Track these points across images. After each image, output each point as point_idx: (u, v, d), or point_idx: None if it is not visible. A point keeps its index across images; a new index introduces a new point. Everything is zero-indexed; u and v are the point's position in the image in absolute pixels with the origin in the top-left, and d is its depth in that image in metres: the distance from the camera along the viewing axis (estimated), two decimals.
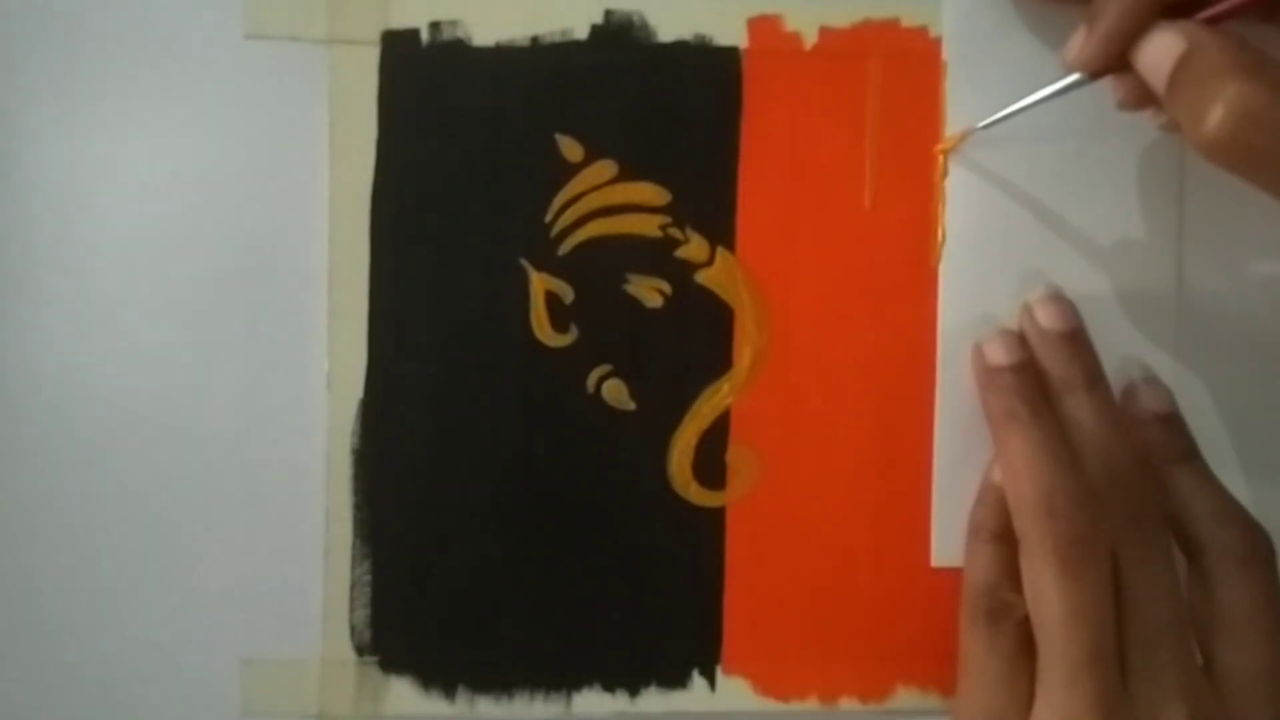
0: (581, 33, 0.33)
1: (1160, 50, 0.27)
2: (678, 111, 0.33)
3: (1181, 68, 0.27)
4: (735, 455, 0.33)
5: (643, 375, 0.33)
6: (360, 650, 0.33)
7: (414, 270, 0.33)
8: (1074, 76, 0.30)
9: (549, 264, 0.33)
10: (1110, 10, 0.28)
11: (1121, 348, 0.33)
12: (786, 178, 0.33)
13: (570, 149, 0.33)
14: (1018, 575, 0.30)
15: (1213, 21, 0.27)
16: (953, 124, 0.33)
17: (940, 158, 0.33)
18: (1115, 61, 0.29)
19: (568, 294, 0.33)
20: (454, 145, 0.33)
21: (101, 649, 0.33)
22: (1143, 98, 0.29)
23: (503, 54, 0.33)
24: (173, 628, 0.33)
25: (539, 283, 0.33)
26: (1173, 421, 0.33)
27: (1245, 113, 0.25)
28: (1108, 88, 0.30)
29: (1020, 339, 0.32)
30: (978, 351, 0.33)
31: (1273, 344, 0.34)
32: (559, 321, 0.33)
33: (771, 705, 0.34)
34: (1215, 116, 0.26)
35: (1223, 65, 0.26)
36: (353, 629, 0.33)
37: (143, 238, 0.33)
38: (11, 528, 0.33)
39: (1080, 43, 0.29)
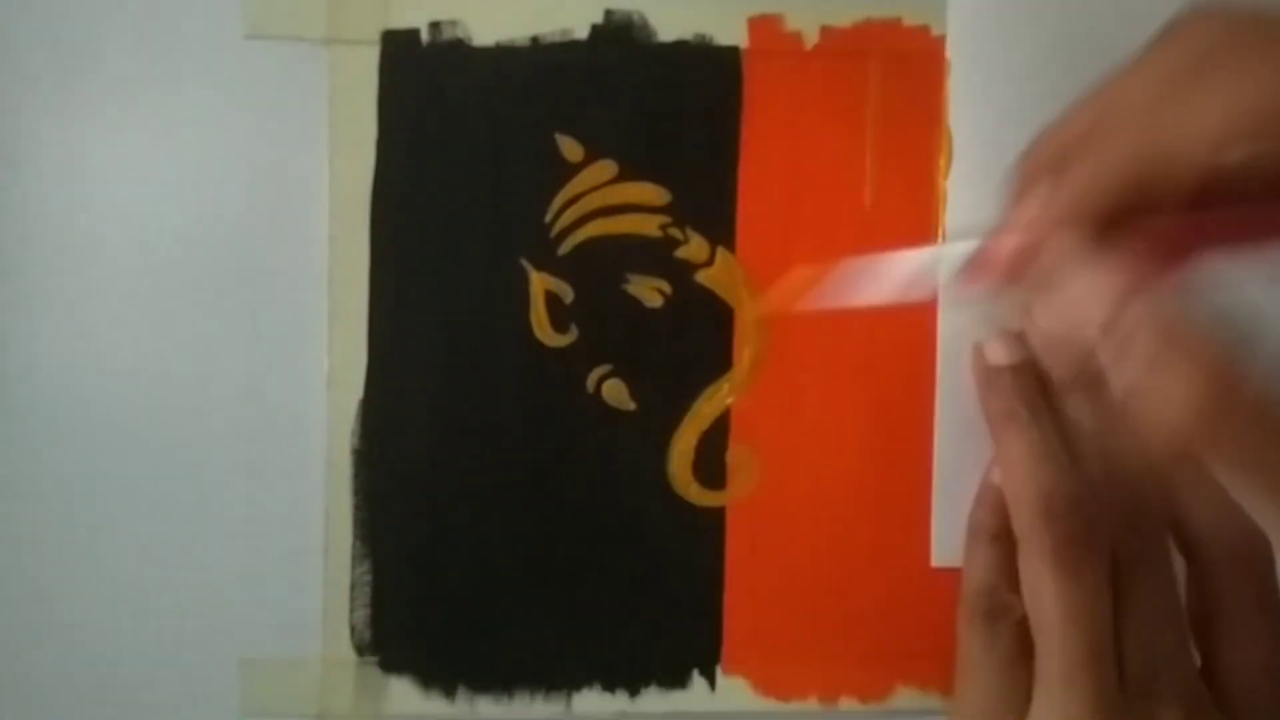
0: (581, 33, 0.33)
1: (1098, 289, 0.22)
2: (678, 111, 0.33)
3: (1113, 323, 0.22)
4: (735, 455, 0.33)
5: (643, 375, 0.33)
6: (360, 650, 0.33)
7: (414, 270, 0.33)
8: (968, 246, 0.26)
9: (549, 264, 0.33)
10: (1084, 175, 0.23)
11: None
12: (786, 178, 0.33)
13: (570, 149, 0.33)
14: (1017, 576, 0.30)
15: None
16: (954, 124, 0.33)
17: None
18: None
19: (568, 294, 0.33)
20: (454, 145, 0.33)
21: (101, 649, 0.33)
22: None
23: (503, 54, 0.33)
24: (173, 628, 0.33)
25: (539, 283, 0.33)
26: None
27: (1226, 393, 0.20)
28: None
29: (1020, 339, 0.32)
30: (978, 351, 0.33)
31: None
32: (559, 321, 0.33)
33: (771, 705, 0.34)
34: (1178, 398, 0.21)
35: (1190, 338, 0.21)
36: (353, 629, 0.33)
37: (142, 238, 0.33)
38: (11, 528, 0.33)
39: (1038, 201, 0.23)
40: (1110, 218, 0.20)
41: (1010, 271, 0.23)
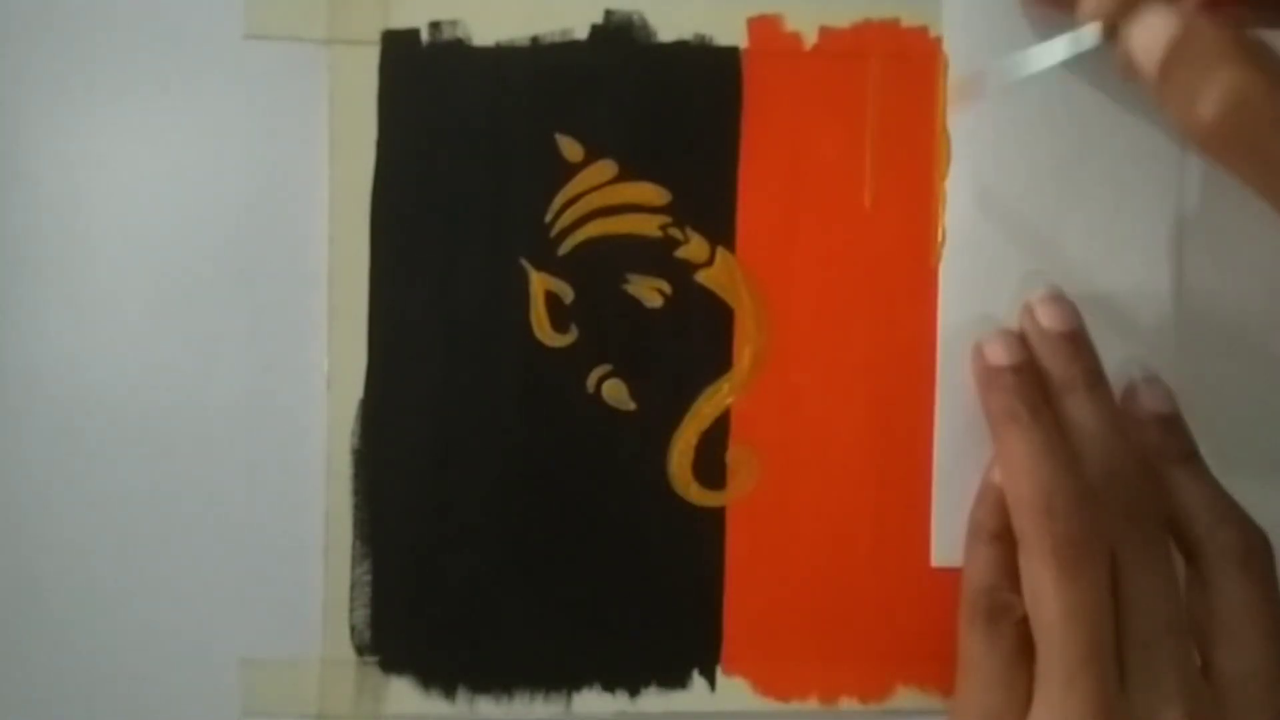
0: (581, 33, 0.33)
1: (1152, 31, 0.26)
2: (678, 111, 0.33)
3: (1175, 50, 0.26)
4: (735, 455, 0.33)
5: (643, 375, 0.33)
6: (360, 650, 0.33)
7: (414, 270, 0.33)
8: (1091, 34, 0.28)
9: (549, 264, 0.33)
10: None
11: (1121, 348, 0.33)
12: (786, 178, 0.33)
13: (570, 149, 0.33)
14: (1017, 575, 0.30)
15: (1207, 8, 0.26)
16: (954, 124, 0.33)
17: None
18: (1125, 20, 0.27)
19: (568, 294, 0.33)
20: (454, 145, 0.33)
21: (101, 649, 0.33)
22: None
23: (503, 54, 0.33)
24: (173, 628, 0.33)
25: (539, 283, 0.33)
26: (1173, 421, 0.33)
27: (1241, 100, 0.24)
28: (1105, 89, 0.30)
29: (1020, 339, 0.32)
30: (978, 351, 0.33)
31: (1273, 344, 0.34)
32: (559, 321, 0.33)
33: (771, 705, 0.34)
34: (1210, 103, 0.25)
35: (1219, 50, 0.25)
36: (353, 629, 0.33)
37: (143, 238, 0.33)
38: (11, 528, 0.33)
39: None
40: None
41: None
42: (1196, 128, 0.25)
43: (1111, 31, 0.27)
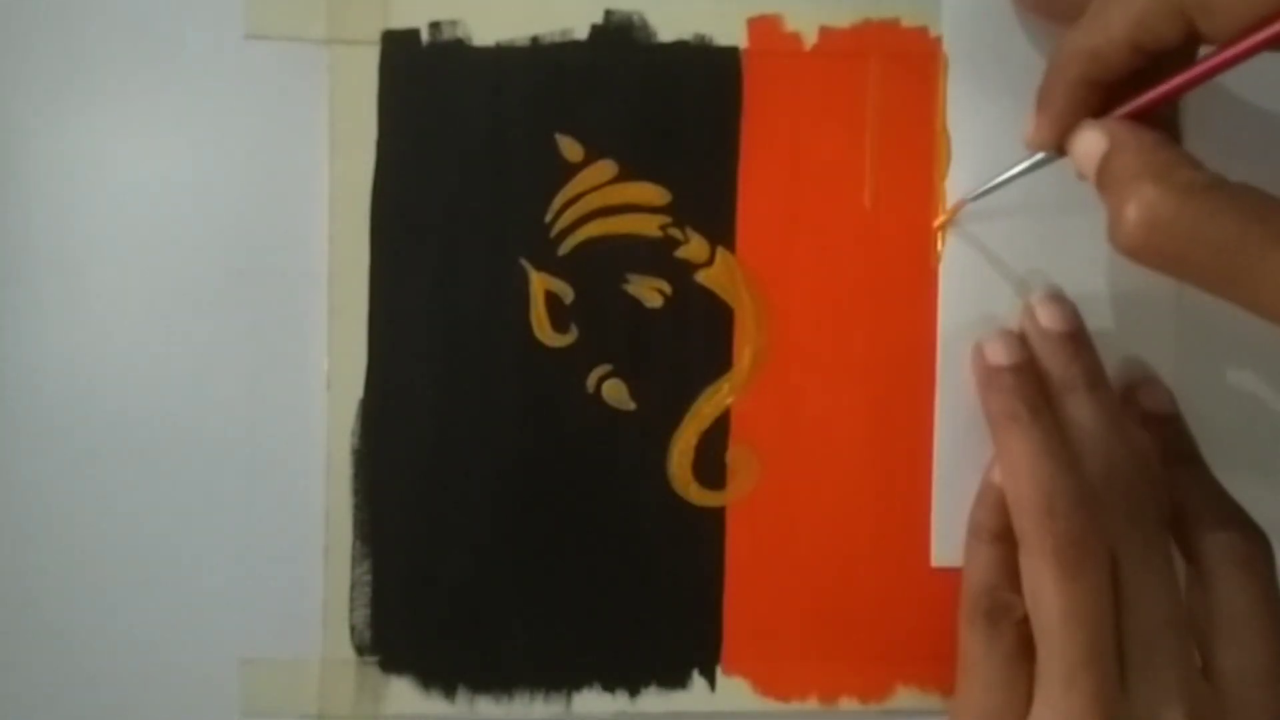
0: (581, 33, 0.33)
1: (1086, 148, 0.28)
2: (678, 111, 0.33)
3: (1104, 167, 0.27)
4: (735, 455, 0.34)
5: (643, 375, 0.33)
6: (360, 650, 0.33)
7: (414, 270, 0.33)
8: (1040, 155, 0.30)
9: (549, 264, 0.33)
10: (1055, 93, 0.29)
11: (1122, 348, 0.33)
12: (786, 178, 0.33)
13: (570, 149, 0.33)
14: (1017, 575, 0.30)
15: (1145, 111, 0.28)
16: (953, 124, 0.33)
17: (937, 233, 0.33)
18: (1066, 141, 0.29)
19: (568, 294, 0.33)
20: (454, 145, 0.33)
21: (101, 649, 0.33)
22: None
23: (503, 54, 0.33)
24: (173, 628, 0.33)
25: (539, 283, 0.33)
26: (1173, 422, 0.33)
27: (1153, 219, 0.26)
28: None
29: (1020, 339, 0.32)
30: (978, 351, 0.33)
31: (1273, 344, 0.34)
32: (559, 321, 0.33)
33: (771, 705, 0.34)
34: (1129, 219, 0.26)
35: (1135, 169, 0.26)
36: (353, 629, 0.33)
37: (143, 238, 0.33)
38: (11, 528, 0.33)
39: (1034, 126, 0.29)
40: (1087, 106, 0.28)
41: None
42: (1118, 241, 0.26)
43: (1060, 149, 0.29)
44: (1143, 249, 0.26)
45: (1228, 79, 0.32)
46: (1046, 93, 0.29)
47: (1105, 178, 0.27)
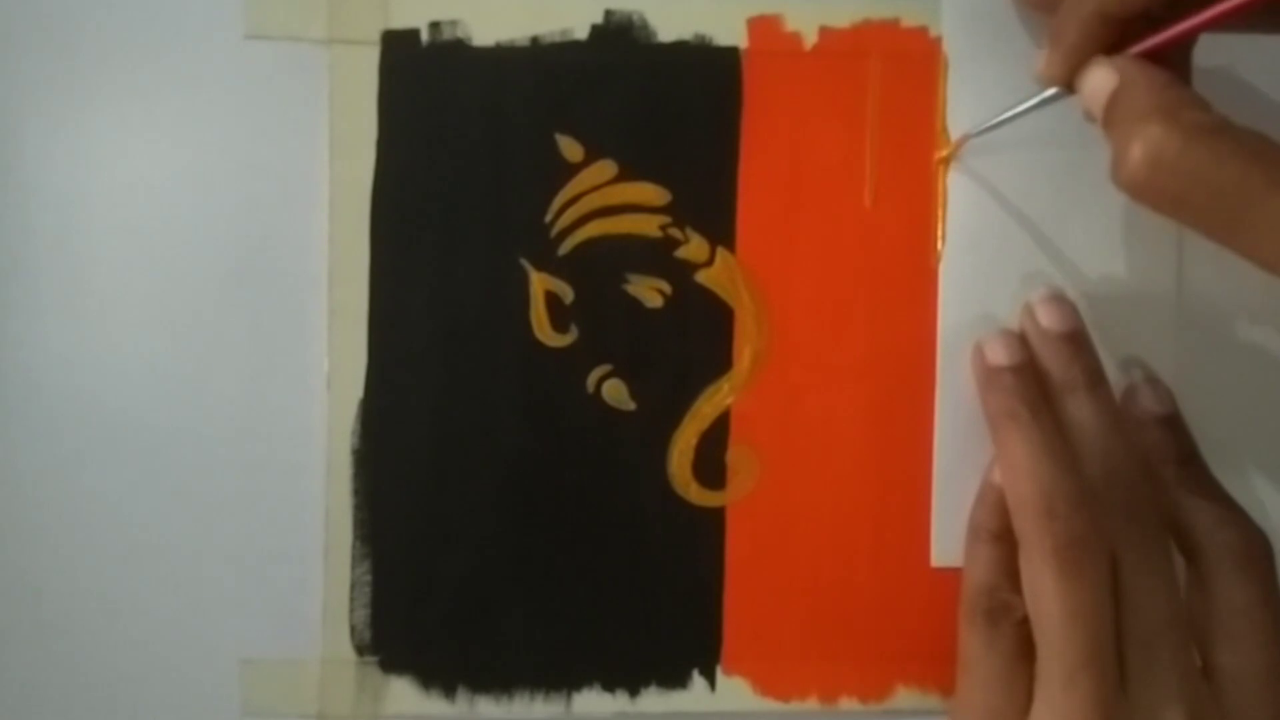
0: (581, 33, 0.33)
1: (1095, 85, 0.28)
2: (678, 111, 0.33)
3: (1112, 104, 0.27)
4: (735, 455, 0.33)
5: (643, 375, 0.33)
6: (360, 650, 0.33)
7: (414, 270, 0.33)
8: (1050, 90, 0.30)
9: (549, 264, 0.33)
10: (1069, 28, 0.28)
11: (1122, 348, 0.33)
12: (786, 178, 0.33)
13: (570, 149, 0.33)
14: (1017, 575, 0.30)
15: (1158, 51, 0.28)
16: (953, 124, 0.33)
17: (939, 166, 0.33)
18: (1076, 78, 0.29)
19: (568, 294, 0.33)
20: (454, 145, 0.33)
21: (101, 649, 0.33)
22: None
23: (503, 54, 0.33)
24: (173, 628, 0.33)
25: (539, 283, 0.33)
26: (1173, 422, 0.33)
27: (1158, 157, 0.26)
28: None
29: (1020, 339, 0.32)
30: (978, 351, 0.33)
31: (1273, 344, 0.34)
32: (559, 321, 0.33)
33: (771, 705, 0.34)
34: (1133, 157, 0.26)
35: (1144, 107, 0.26)
36: (353, 629, 0.33)
37: (143, 238, 0.33)
38: (11, 528, 0.33)
39: (1045, 60, 0.29)
40: (1100, 43, 0.28)
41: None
42: (1121, 178, 0.26)
43: (1069, 86, 0.29)
44: (1144, 188, 0.26)
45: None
46: (1060, 26, 0.29)
47: (1113, 115, 0.27)
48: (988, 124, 0.32)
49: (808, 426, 0.34)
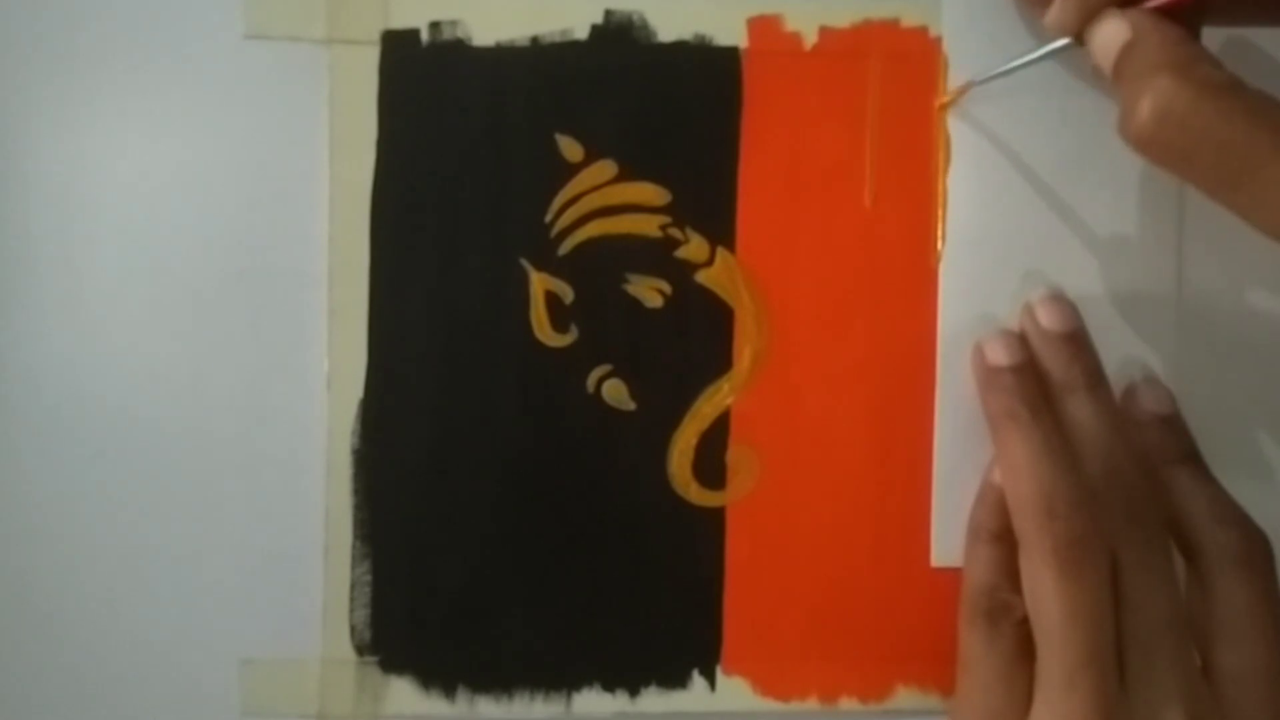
0: (581, 33, 0.33)
1: (1107, 36, 0.27)
2: (678, 111, 0.33)
3: (1123, 56, 0.27)
4: (735, 455, 0.33)
5: (643, 375, 0.33)
6: (360, 650, 0.33)
7: (414, 270, 0.33)
8: (1063, 40, 0.29)
9: (549, 264, 0.33)
10: None
11: (1122, 348, 0.33)
12: (786, 178, 0.33)
13: (570, 149, 0.33)
14: (1017, 576, 0.30)
15: (1171, 8, 0.27)
16: (953, 123, 0.33)
17: (940, 114, 0.33)
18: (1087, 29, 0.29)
19: (568, 294, 0.33)
20: (454, 145, 0.33)
21: (101, 649, 0.33)
22: None
23: (503, 54, 0.33)
24: (173, 628, 0.33)
25: (539, 283, 0.33)
26: (1173, 422, 0.33)
27: (1167, 111, 0.25)
28: (1105, 88, 0.30)
29: (1020, 339, 0.32)
30: (978, 351, 0.33)
31: (1273, 344, 0.34)
32: (559, 321, 0.33)
33: (771, 705, 0.34)
34: (1141, 111, 0.26)
35: (1156, 60, 0.26)
36: (353, 629, 0.33)
37: (143, 238, 0.33)
38: (11, 528, 0.33)
39: (1056, 8, 0.29)
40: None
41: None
42: (1129, 131, 0.26)
43: (1079, 38, 0.29)
44: (1151, 142, 0.26)
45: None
46: None
47: (1123, 68, 0.27)
48: (990, 74, 0.32)
49: (808, 426, 0.34)
